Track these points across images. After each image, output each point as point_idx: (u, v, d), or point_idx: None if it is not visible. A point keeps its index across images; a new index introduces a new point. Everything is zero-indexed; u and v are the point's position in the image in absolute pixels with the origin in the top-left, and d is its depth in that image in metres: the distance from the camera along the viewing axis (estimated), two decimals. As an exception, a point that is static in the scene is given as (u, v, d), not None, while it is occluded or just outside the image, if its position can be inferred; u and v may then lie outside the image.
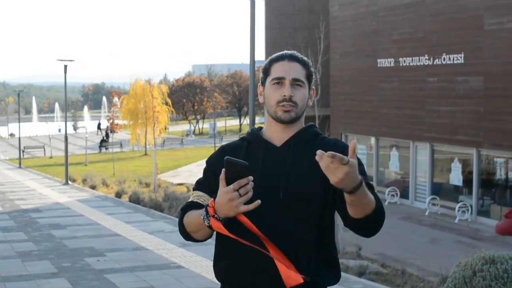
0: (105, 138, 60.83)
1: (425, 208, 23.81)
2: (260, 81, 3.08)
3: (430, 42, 24.12)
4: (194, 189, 3.11)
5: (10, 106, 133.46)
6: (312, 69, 3.07)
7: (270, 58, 3.06)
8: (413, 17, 25.13)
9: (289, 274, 2.82)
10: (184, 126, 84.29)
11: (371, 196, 2.76)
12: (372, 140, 28.47)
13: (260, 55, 35.15)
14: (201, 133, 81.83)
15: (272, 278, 2.87)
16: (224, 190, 2.78)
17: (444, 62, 23.45)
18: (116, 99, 65.23)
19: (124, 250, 12.91)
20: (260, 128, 3.14)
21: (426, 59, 24.29)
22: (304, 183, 2.95)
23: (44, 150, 59.65)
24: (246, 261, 2.92)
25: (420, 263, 15.57)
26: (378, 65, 27.02)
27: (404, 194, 25.96)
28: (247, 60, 15.60)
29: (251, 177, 2.76)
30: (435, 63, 23.87)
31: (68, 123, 37.00)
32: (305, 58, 3.06)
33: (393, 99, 26.30)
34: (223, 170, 2.79)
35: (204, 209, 2.89)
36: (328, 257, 3.02)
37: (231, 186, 2.76)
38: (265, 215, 2.88)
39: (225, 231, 2.86)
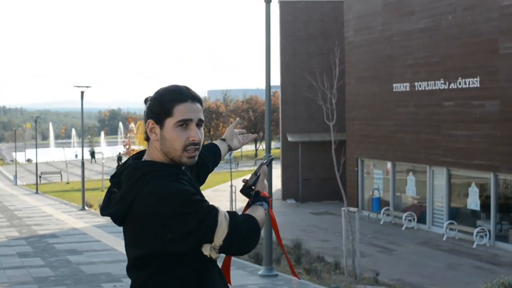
0: (119, 163, 61.06)
1: (442, 233, 23.66)
2: (150, 117, 2.87)
3: (446, 67, 24.11)
4: (215, 209, 2.79)
5: (27, 132, 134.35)
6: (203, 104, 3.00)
7: (169, 97, 2.85)
8: (428, 42, 25.15)
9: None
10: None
11: None
12: (389, 165, 28.38)
13: (276, 80, 35.54)
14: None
15: None
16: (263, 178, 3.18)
17: (459, 86, 23.42)
18: (132, 125, 65.44)
19: (140, 275, 12.86)
20: (152, 160, 2.91)
21: (441, 83, 24.27)
22: None
23: (61, 175, 59.89)
24: None
25: (438, 288, 15.43)
26: (394, 90, 27.03)
27: (421, 219, 25.82)
28: (262, 85, 15.64)
29: None
30: (450, 87, 23.85)
31: (84, 148, 37.17)
32: (199, 96, 2.96)
33: (409, 123, 26.26)
34: (265, 167, 3.24)
35: (264, 203, 3.05)
36: None
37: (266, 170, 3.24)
38: None
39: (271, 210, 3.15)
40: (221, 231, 2.73)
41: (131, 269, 2.86)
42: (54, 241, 18.76)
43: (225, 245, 2.75)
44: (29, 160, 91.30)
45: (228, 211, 2.85)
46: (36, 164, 53.46)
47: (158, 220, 2.69)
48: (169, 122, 2.83)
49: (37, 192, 44.87)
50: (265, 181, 3.19)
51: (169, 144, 2.84)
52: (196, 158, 2.88)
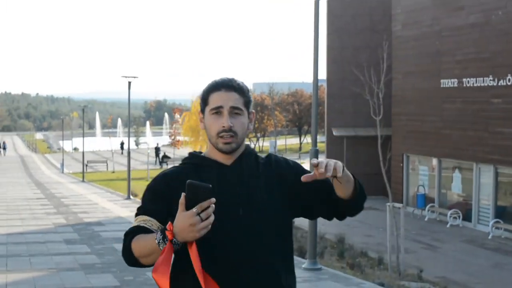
0: (157, 154, 61.50)
1: (488, 231, 23.37)
2: (200, 109, 3.07)
3: (495, 63, 23.76)
4: (137, 215, 2.94)
5: (74, 121, 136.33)
6: (250, 94, 3.03)
7: (207, 87, 3.01)
8: (477, 37, 24.81)
9: None
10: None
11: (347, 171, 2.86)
12: (434, 161, 28.12)
13: (322, 74, 35.30)
14: (261, 151, 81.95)
15: None
16: (185, 215, 2.62)
17: (509, 83, 23.07)
18: (178, 115, 65.96)
19: (184, 265, 12.96)
20: (200, 152, 3.10)
21: (490, 80, 23.94)
22: (264, 202, 2.95)
23: (107, 164, 60.62)
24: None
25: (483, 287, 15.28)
26: (441, 86, 26.74)
27: (467, 217, 25.52)
28: (307, 79, 15.66)
29: (213, 199, 2.63)
30: (499, 84, 23.51)
31: (130, 138, 37.57)
32: (242, 85, 3.01)
33: (456, 120, 25.96)
34: (183, 194, 2.64)
35: (159, 233, 2.72)
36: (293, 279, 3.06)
37: (193, 210, 2.61)
38: (227, 233, 2.85)
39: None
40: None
41: None
42: (100, 229, 19.01)
43: None
44: (75, 149, 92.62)
45: (137, 226, 2.89)
46: (83, 152, 54.20)
47: None
48: (207, 111, 2.99)
49: (83, 181, 45.48)
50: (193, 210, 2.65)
51: (208, 131, 3.01)
52: (233, 145, 2.94)
